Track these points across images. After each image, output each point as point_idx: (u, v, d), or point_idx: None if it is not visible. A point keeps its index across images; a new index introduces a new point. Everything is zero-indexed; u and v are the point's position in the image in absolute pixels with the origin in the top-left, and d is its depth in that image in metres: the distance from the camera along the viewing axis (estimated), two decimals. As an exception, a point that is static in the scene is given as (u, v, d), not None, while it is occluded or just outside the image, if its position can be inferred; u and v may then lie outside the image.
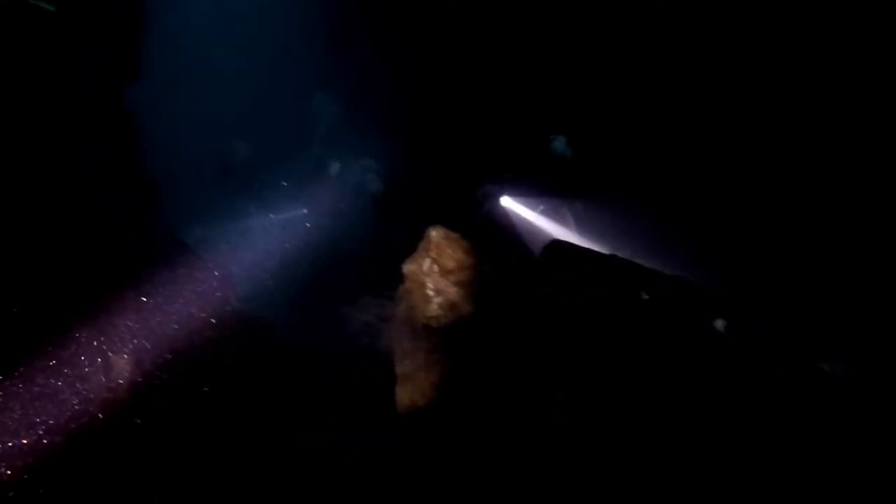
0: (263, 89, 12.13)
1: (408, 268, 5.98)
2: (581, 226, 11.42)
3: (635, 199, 10.56)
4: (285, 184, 11.61)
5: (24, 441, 5.25)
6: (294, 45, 12.14)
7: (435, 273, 5.78)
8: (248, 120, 11.80)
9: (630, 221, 10.34)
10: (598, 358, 5.79)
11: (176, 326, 6.47)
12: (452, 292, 5.75)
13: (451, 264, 5.78)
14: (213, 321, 6.86)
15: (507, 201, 12.16)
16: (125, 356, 6.08)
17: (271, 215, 11.14)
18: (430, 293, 5.78)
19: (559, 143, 11.73)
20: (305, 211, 11.65)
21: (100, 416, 5.74)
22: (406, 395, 6.03)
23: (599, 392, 5.53)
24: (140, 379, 6.04)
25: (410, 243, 6.31)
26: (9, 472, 5.08)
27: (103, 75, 6.66)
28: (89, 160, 6.41)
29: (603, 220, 11.04)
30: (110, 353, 6.01)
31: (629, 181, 10.73)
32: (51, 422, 5.42)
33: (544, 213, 11.96)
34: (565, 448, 5.25)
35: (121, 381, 6.00)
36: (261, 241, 9.89)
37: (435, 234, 5.90)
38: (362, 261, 9.29)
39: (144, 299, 6.41)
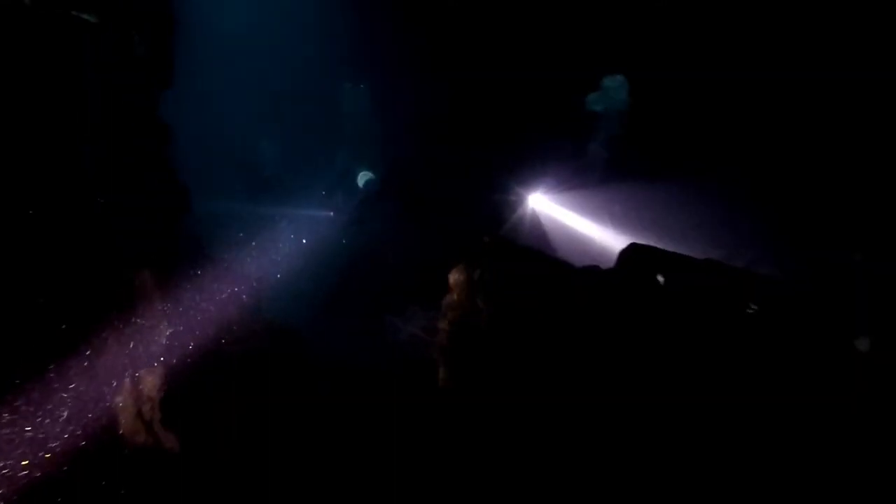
0: (291, 93, 12.07)
1: (455, 277, 5.60)
2: (615, 225, 11.12)
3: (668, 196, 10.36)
4: (323, 192, 11.50)
5: (48, 454, 5.08)
6: (322, 47, 12.01)
7: (486, 282, 5.39)
8: (277, 124, 11.76)
9: (660, 221, 10.13)
10: (606, 358, 5.39)
11: (206, 336, 6.21)
12: (505, 303, 5.36)
13: (503, 273, 5.38)
14: (243, 331, 6.62)
15: (541, 203, 11.89)
16: (154, 370, 5.86)
17: (301, 223, 10.95)
18: (481, 304, 5.39)
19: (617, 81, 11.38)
20: (332, 213, 11.51)
21: (125, 429, 5.59)
22: (449, 404, 5.66)
23: (604, 392, 5.19)
24: (168, 391, 5.79)
25: (447, 251, 5.99)
26: (29, 484, 4.92)
27: (103, 75, 6.49)
28: (89, 160, 6.24)
29: (636, 219, 10.74)
30: (139, 367, 5.80)
31: (662, 180, 10.50)
32: (77, 434, 5.25)
33: (578, 213, 11.67)
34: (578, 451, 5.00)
35: (149, 395, 5.76)
36: (290, 249, 9.69)
37: (487, 240, 5.49)
38: (397, 269, 9.01)
39: (174, 309, 6.19)
